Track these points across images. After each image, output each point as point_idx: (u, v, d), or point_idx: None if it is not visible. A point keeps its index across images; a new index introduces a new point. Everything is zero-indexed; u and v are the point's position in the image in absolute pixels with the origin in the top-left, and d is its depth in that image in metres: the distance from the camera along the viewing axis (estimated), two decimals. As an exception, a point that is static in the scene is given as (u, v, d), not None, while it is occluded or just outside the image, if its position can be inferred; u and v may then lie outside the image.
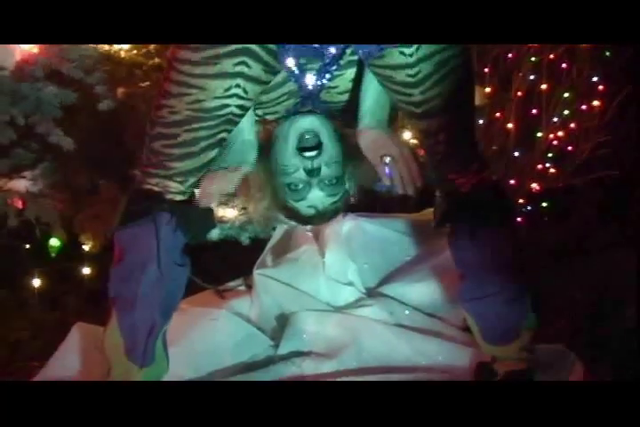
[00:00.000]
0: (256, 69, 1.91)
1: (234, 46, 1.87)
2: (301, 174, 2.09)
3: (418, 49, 1.89)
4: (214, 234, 2.66)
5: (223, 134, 1.96)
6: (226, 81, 1.89)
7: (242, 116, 1.98)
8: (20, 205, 2.88)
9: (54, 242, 3.01)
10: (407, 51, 1.90)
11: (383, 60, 1.93)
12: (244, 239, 2.98)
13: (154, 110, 1.97)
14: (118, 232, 1.98)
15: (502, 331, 2.08)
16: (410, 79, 1.93)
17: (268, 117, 2.16)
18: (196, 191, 2.04)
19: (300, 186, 2.10)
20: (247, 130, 2.11)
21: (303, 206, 2.15)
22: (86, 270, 3.06)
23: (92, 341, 2.31)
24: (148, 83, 2.90)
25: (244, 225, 3.06)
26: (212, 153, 1.97)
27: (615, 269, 2.88)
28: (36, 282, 2.98)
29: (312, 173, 2.08)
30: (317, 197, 2.13)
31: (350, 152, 2.12)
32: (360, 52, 1.95)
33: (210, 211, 2.05)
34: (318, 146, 2.07)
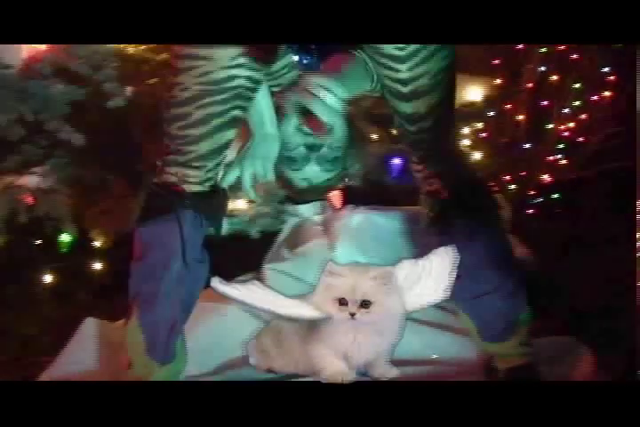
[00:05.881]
0: None
1: None
2: (301, 150, 2.12)
3: None
4: (224, 228, 2.66)
5: (236, 111, 1.96)
6: (232, 49, 1.90)
7: (254, 90, 1.98)
8: (30, 200, 2.89)
9: (65, 238, 3.02)
10: None
11: None
12: (254, 233, 2.98)
13: (166, 91, 1.98)
14: (139, 229, 1.98)
15: (499, 328, 2.06)
16: (398, 52, 1.93)
17: (273, 89, 2.16)
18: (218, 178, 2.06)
19: (299, 158, 2.12)
20: (269, 122, 2.12)
21: (297, 178, 2.16)
22: (97, 266, 3.07)
23: (102, 336, 2.33)
24: (155, 79, 2.90)
25: (254, 219, 3.06)
26: (228, 134, 1.98)
27: (626, 260, 2.86)
28: (47, 278, 3.00)
29: (312, 147, 2.11)
30: (313, 171, 2.14)
31: (356, 137, 2.15)
32: None
33: (225, 196, 2.09)
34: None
